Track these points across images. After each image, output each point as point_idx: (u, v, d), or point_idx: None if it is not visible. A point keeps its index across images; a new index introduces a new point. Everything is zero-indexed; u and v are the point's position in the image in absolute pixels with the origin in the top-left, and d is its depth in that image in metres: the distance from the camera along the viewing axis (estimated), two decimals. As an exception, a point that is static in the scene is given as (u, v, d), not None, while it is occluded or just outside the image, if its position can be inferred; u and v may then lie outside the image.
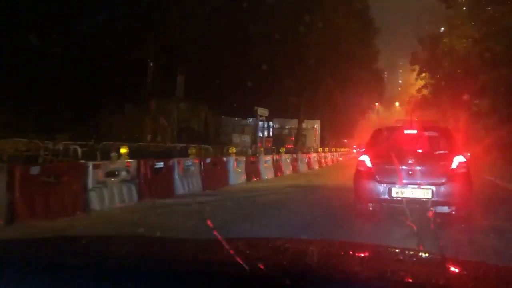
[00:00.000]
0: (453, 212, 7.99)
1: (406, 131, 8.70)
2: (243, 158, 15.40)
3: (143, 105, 23.52)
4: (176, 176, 10.87)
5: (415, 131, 8.64)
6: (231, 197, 10.81)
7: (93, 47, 20.92)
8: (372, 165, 8.34)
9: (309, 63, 26.01)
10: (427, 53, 40.48)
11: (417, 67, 45.64)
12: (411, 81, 58.97)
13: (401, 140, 8.72)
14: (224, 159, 13.93)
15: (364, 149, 9.18)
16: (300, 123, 33.92)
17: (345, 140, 58.05)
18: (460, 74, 29.20)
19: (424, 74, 44.50)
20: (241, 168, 14.81)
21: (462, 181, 7.92)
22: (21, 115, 18.24)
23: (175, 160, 10.91)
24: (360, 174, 8.49)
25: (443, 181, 7.84)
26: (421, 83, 46.19)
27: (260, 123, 22.05)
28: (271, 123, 34.77)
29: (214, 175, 12.68)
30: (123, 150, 9.11)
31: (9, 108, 17.86)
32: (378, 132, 9.25)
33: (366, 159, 8.50)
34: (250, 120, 30.07)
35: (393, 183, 8.05)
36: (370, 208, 8.46)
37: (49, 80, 20.86)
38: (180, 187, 10.92)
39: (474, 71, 25.69)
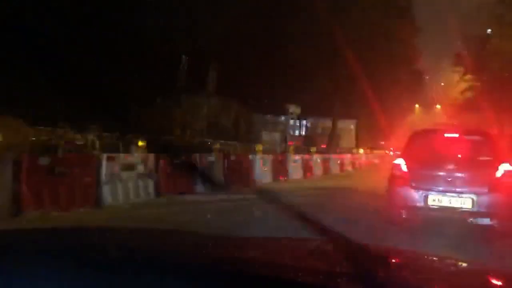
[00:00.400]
0: (495, 225, 7.18)
1: (446, 134, 7.94)
2: (270, 157, 14.88)
3: (175, 99, 23.33)
4: (198, 173, 10.44)
5: (456, 135, 7.87)
6: (252, 197, 10.26)
7: (128, 41, 20.83)
8: (407, 169, 7.68)
9: (345, 61, 25.08)
10: (472, 54, 38.55)
11: (461, 69, 43.66)
12: (453, 84, 56.66)
13: (440, 144, 8.00)
14: (250, 156, 13.46)
15: (400, 152, 8.47)
16: (334, 122, 32.97)
17: (382, 142, 56.45)
18: (508, 77, 27.57)
19: (468, 76, 42.48)
20: (268, 167, 14.30)
21: (508, 191, 7.12)
22: (53, 107, 18.35)
23: (197, 156, 10.51)
24: (395, 178, 7.88)
25: (486, 190, 7.15)
26: (464, 85, 44.20)
27: (291, 121, 21.42)
28: (304, 122, 34.07)
29: (238, 172, 12.21)
30: (140, 143, 8.74)
31: (41, 98, 17.98)
32: (416, 135, 8.56)
33: (401, 163, 7.86)
34: (283, 118, 29.36)
35: (430, 190, 7.35)
36: (404, 216, 7.77)
37: (83, 71, 20.96)
38: (201, 184, 10.50)
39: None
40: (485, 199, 7.09)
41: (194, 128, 22.68)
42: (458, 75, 44.56)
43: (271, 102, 26.52)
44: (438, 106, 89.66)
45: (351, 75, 28.00)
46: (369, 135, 45.29)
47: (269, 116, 30.99)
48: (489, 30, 33.98)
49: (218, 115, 26.05)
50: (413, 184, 7.48)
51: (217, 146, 12.08)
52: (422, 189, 7.42)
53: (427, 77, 76.75)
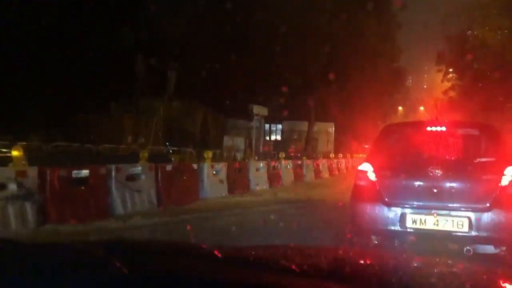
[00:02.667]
0: (503, 254, 4.96)
1: (430, 128, 5.68)
2: (224, 165, 12.55)
3: (131, 104, 21.01)
4: (114, 190, 8.15)
5: (443, 128, 5.62)
6: (186, 219, 8.05)
7: (73, 40, 18.52)
8: (377, 178, 5.37)
9: (319, 58, 23.07)
10: (454, 52, 37.20)
11: (443, 68, 42.35)
12: (436, 85, 55.69)
13: (422, 141, 5.73)
14: (194, 166, 11.10)
15: (366, 155, 6.28)
16: (311, 125, 30.88)
17: (366, 146, 54.80)
18: (493, 72, 25.92)
19: (451, 75, 41.24)
20: (222, 178, 12.01)
21: (518, 205, 4.92)
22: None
23: (113, 167, 8.19)
24: (360, 191, 5.60)
25: (487, 205, 4.93)
26: (447, 85, 42.95)
27: (257, 124, 19.22)
28: (279, 126, 32.08)
29: (179, 186, 9.90)
30: (15, 153, 6.33)
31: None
32: (388, 130, 6.33)
33: (368, 169, 5.57)
34: (256, 122, 27.26)
35: (409, 207, 5.25)
36: (375, 242, 5.49)
37: (24, 77, 18.63)
38: (119, 204, 8.20)
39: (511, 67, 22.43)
40: (486, 218, 4.93)
41: (149, 134, 20.30)
42: (441, 75, 43.31)
43: (240, 105, 24.30)
44: (422, 108, 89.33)
45: (327, 74, 26.00)
46: (351, 139, 43.43)
47: (241, 121, 28.79)
48: (469, 32, 32.81)
49: (181, 120, 23.70)
50: (386, 199, 5.26)
51: (146, 154, 9.65)
52: (398, 205, 5.21)
53: (410, 80, 76.09)
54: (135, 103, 21.48)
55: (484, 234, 4.90)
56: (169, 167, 9.89)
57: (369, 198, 5.41)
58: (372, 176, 5.45)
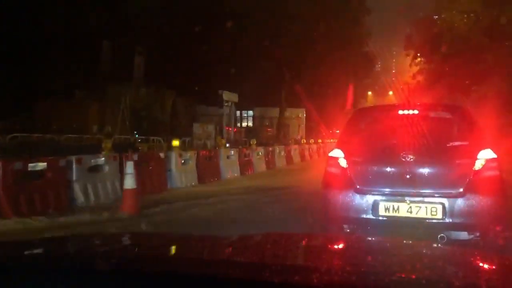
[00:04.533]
0: (477, 240, 4.85)
1: (401, 112, 5.46)
2: (193, 153, 12.19)
3: (96, 91, 20.20)
4: (75, 182, 7.72)
5: (416, 111, 5.41)
6: (152, 210, 7.70)
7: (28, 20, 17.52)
8: (348, 164, 5.14)
9: (290, 43, 22.71)
10: (422, 36, 37.53)
11: (411, 52, 42.75)
12: (405, 69, 56.40)
13: (394, 126, 5.52)
14: (161, 155, 10.70)
15: (337, 140, 6.06)
16: (282, 111, 30.65)
17: (337, 131, 55.21)
18: (459, 56, 26.22)
19: (419, 59, 41.67)
20: (191, 167, 11.67)
21: (492, 190, 4.84)
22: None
23: (73, 159, 7.75)
24: (331, 179, 5.36)
25: (461, 190, 4.74)
26: (415, 69, 43.45)
27: (227, 110, 18.83)
28: (250, 112, 31.73)
29: (145, 177, 9.51)
30: None
31: None
32: (359, 115, 6.09)
33: (339, 155, 5.32)
34: (227, 108, 26.82)
35: (381, 194, 5.05)
36: (347, 231, 5.30)
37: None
38: (81, 197, 7.77)
39: (477, 50, 22.69)
40: (460, 203, 4.78)
41: (116, 123, 19.61)
42: (409, 59, 43.72)
43: (211, 91, 23.78)
44: (391, 93, 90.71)
45: (297, 59, 25.73)
46: (321, 124, 43.56)
47: (211, 107, 28.23)
48: (436, 16, 33.11)
49: (149, 107, 23.01)
50: (357, 186, 5.05)
51: (108, 144, 9.20)
52: (370, 192, 5.01)
53: (379, 65, 76.98)
54: (100, 90, 20.63)
55: (458, 220, 4.77)
56: (134, 157, 9.47)
57: (340, 186, 5.20)
58: (343, 162, 5.23)
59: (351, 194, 5.07)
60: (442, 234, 4.77)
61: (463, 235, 4.84)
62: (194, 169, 11.88)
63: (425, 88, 40.75)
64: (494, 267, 1.60)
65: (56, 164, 7.45)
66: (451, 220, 4.73)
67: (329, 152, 5.65)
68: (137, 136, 20.31)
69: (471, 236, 4.82)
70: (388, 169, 5.04)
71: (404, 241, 1.99)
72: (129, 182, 7.58)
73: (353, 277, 1.21)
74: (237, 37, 21.38)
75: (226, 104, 18.09)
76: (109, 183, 8.58)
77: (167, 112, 24.70)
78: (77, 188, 7.78)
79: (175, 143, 11.32)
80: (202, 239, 1.93)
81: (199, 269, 1.26)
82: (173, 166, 10.79)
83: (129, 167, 7.72)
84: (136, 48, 21.76)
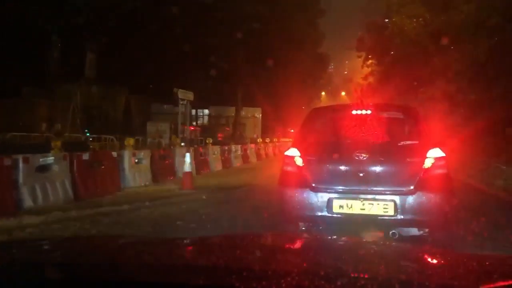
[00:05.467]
0: (426, 236, 5.04)
1: (355, 112, 5.58)
2: (148, 153, 11.95)
3: (45, 88, 19.35)
4: (21, 182, 7.33)
5: (368, 111, 5.55)
6: (104, 211, 7.47)
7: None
8: (304, 163, 5.19)
9: (244, 41, 22.69)
10: (373, 38, 38.58)
11: (363, 54, 43.87)
12: (357, 70, 57.83)
13: (348, 125, 5.64)
14: (114, 154, 10.40)
15: (292, 140, 6.11)
16: (238, 110, 30.62)
17: (292, 130, 55.89)
18: (408, 58, 27.17)
19: (370, 61, 42.82)
20: (145, 166, 11.43)
21: (440, 187, 5.03)
22: None
23: (20, 158, 7.38)
24: (287, 177, 5.40)
25: (412, 188, 4.88)
26: (367, 70, 44.61)
27: (183, 109, 18.57)
28: (206, 111, 31.49)
29: (97, 177, 9.21)
30: None
31: None
32: (313, 114, 6.14)
33: (295, 154, 5.37)
34: (183, 108, 26.43)
35: (335, 192, 5.14)
36: (302, 229, 5.36)
37: None
38: (28, 198, 7.41)
39: (425, 53, 23.61)
40: (411, 201, 4.94)
41: (66, 121, 18.87)
42: (361, 61, 44.77)
43: (165, 89, 23.35)
44: (343, 93, 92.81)
45: (253, 58, 25.79)
46: (277, 123, 43.91)
47: (166, 106, 27.72)
48: (386, 20, 34.03)
49: (101, 105, 22.30)
50: (313, 185, 5.11)
51: (58, 143, 8.85)
52: (325, 190, 5.09)
53: (332, 66, 78.50)
54: (50, 87, 19.78)
55: (409, 217, 4.91)
56: (85, 156, 9.14)
57: (296, 184, 5.26)
58: (299, 161, 5.30)
59: (306, 192, 5.13)
60: (393, 231, 4.92)
61: (413, 231, 5.00)
62: (148, 168, 11.63)
63: (376, 89, 41.99)
64: (443, 262, 1.64)
65: (1, 163, 7.06)
66: (402, 217, 4.87)
67: (285, 151, 5.70)
68: (88, 134, 19.66)
69: (421, 232, 4.99)
70: (342, 167, 5.13)
71: (354, 240, 2.02)
72: (187, 167, 11.06)
73: (306, 281, 1.21)
74: (192, 35, 21.09)
75: (181, 102, 17.83)
76: (58, 183, 8.22)
77: (119, 110, 24.03)
78: (24, 189, 7.40)
79: (129, 142, 11.02)
80: (154, 242, 1.88)
81: (155, 276, 1.23)
82: (126, 165, 10.50)
83: (187, 157, 11.28)
84: (88, 44, 21.00)
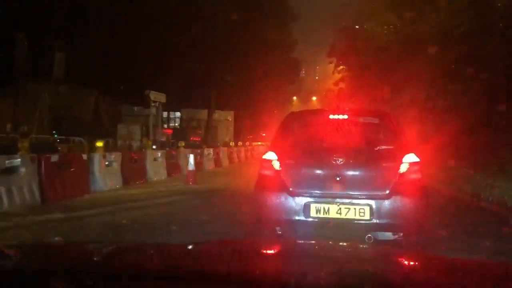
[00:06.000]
0: (400, 240, 5.10)
1: (332, 116, 5.61)
2: (119, 155, 11.71)
3: (10, 87, 18.68)
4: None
5: (345, 116, 5.60)
6: (72, 215, 7.23)
7: None
8: (281, 167, 5.16)
9: (217, 44, 22.58)
10: (345, 45, 39.08)
11: (334, 60, 44.40)
12: (328, 76, 58.51)
13: (325, 129, 5.66)
14: (84, 156, 10.14)
15: (270, 143, 6.06)
16: (210, 113, 30.42)
17: (264, 134, 56.10)
18: (379, 65, 27.65)
19: (341, 67, 43.36)
20: (115, 169, 11.18)
21: (415, 192, 5.09)
22: None
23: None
24: (264, 181, 5.37)
25: (387, 192, 4.98)
26: (338, 76, 45.15)
27: (155, 111, 18.29)
28: (177, 114, 31.15)
29: (66, 179, 8.93)
30: None
31: None
32: (291, 118, 6.12)
33: (273, 158, 5.34)
34: (155, 110, 26.06)
35: (312, 196, 5.11)
36: (279, 233, 5.33)
37: None
38: (-8, 200, 7.12)
39: (395, 60, 24.05)
40: (386, 205, 4.98)
41: (33, 122, 18.27)
42: (333, 66, 45.26)
43: (136, 91, 22.93)
44: (314, 98, 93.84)
45: (227, 62, 25.71)
46: (249, 127, 43.92)
47: (136, 107, 27.22)
48: (357, 26, 34.51)
49: (69, 106, 21.70)
50: (290, 189, 5.10)
51: (25, 144, 8.55)
52: (302, 194, 5.08)
53: (303, 71, 79.29)
54: (15, 86, 19.11)
55: (384, 221, 4.94)
56: (54, 158, 8.85)
57: (273, 188, 5.23)
58: (276, 165, 5.27)
59: (283, 196, 5.11)
60: (369, 235, 4.96)
61: (388, 235, 5.04)
62: (119, 171, 11.40)
63: (348, 95, 42.54)
64: (417, 263, 1.67)
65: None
66: (378, 221, 4.90)
67: (262, 155, 5.67)
68: (56, 136, 19.10)
69: (395, 236, 5.04)
70: (319, 171, 5.14)
71: (331, 243, 2.03)
72: (191, 166, 13.31)
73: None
74: (164, 36, 20.82)
75: (153, 104, 17.55)
76: (25, 186, 7.92)
77: (88, 111, 23.45)
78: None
79: (99, 144, 10.75)
80: (120, 248, 1.83)
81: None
82: (96, 168, 10.25)
83: (191, 158, 13.55)
84: (56, 43, 20.42)
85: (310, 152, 5.33)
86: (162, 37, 20.21)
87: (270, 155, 5.31)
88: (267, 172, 5.31)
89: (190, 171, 13.12)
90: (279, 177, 5.17)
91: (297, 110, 6.89)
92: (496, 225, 7.39)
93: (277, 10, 28.57)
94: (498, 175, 9.24)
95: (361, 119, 5.70)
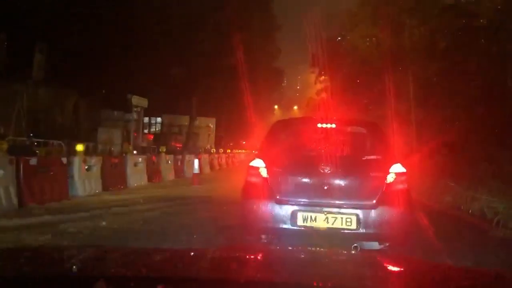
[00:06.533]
0: (385, 249, 5.10)
1: (320, 125, 5.60)
2: (99, 160, 11.48)
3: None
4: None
5: (333, 125, 5.60)
6: (50, 220, 7.02)
7: None
8: (269, 174, 5.10)
9: (202, 51, 22.50)
10: (327, 55, 39.49)
11: (316, 70, 44.81)
12: (309, 85, 58.95)
13: (313, 138, 5.66)
14: (64, 160, 9.91)
15: (257, 151, 6.02)
16: (192, 120, 30.22)
17: (244, 142, 56.08)
18: (360, 77, 28.00)
19: (323, 77, 43.75)
20: (95, 173, 10.96)
21: (401, 202, 5.08)
22: None
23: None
24: (251, 188, 5.31)
25: (374, 202, 4.95)
26: (320, 86, 45.52)
27: (136, 116, 18.06)
28: (158, 119, 30.88)
29: (44, 183, 8.69)
30: None
31: None
32: (278, 126, 6.09)
33: (260, 165, 5.30)
34: (136, 114, 25.73)
35: (300, 204, 5.08)
36: (264, 241, 5.28)
37: None
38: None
39: (376, 72, 24.37)
40: (373, 215, 4.99)
41: (10, 124, 17.81)
42: (314, 76, 45.65)
43: (117, 95, 22.60)
44: (295, 108, 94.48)
45: (210, 68, 25.64)
46: (230, 134, 43.82)
47: (117, 113, 26.83)
48: (338, 38, 34.90)
49: (49, 109, 21.26)
50: (277, 197, 5.06)
51: (4, 145, 8.33)
52: (289, 203, 5.04)
53: (285, 80, 79.74)
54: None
55: (371, 231, 4.94)
56: (33, 161, 8.61)
57: (260, 195, 5.19)
58: (264, 172, 5.24)
59: (270, 204, 5.07)
60: (355, 244, 4.94)
61: (375, 245, 5.04)
62: (99, 176, 11.18)
63: (329, 105, 42.84)
64: (402, 269, 1.69)
65: None
66: (364, 231, 4.90)
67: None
68: (33, 139, 18.66)
69: (382, 246, 5.04)
70: (307, 180, 5.12)
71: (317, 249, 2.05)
72: (196, 169, 15.68)
73: None
74: (147, 42, 20.64)
75: (135, 109, 17.31)
76: (2, 189, 7.67)
77: (68, 114, 22.99)
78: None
79: (79, 147, 10.52)
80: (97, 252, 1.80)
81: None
82: (76, 172, 10.02)
83: (196, 162, 15.85)
84: (37, 44, 20.00)
85: (298, 161, 5.32)
86: (145, 42, 20.02)
87: (258, 162, 5.27)
88: (254, 179, 5.27)
89: (195, 174, 15.23)
90: (266, 184, 5.13)
91: (285, 118, 6.87)
92: (475, 237, 7.49)
93: (263, 18, 28.69)
94: (478, 188, 9.37)
95: (349, 129, 5.71)
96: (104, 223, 7.30)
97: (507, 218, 7.51)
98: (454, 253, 5.84)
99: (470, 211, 9.19)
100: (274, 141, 5.64)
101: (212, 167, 23.09)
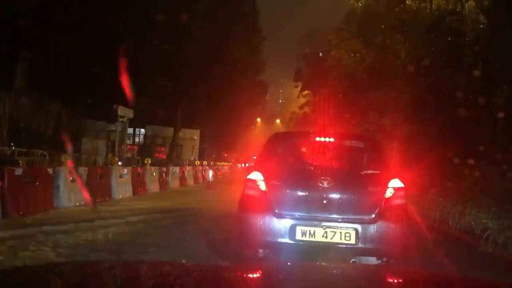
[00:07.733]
0: (383, 264, 5.06)
1: (319, 139, 5.59)
2: (85, 170, 11.25)
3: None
4: None
5: (331, 139, 5.59)
6: (34, 232, 6.78)
7: None
8: (267, 188, 5.04)
9: (189, 64, 22.44)
10: (311, 70, 39.87)
11: (299, 84, 45.13)
12: (292, 99, 59.33)
13: (312, 152, 5.64)
14: (50, 170, 9.66)
15: (254, 164, 5.96)
16: (176, 131, 30.00)
17: (225, 154, 55.88)
18: (344, 92, 28.24)
19: (306, 91, 44.06)
20: (80, 184, 10.72)
21: (400, 217, 5.09)
22: None
23: None
24: (249, 201, 5.22)
25: (373, 217, 4.88)
26: (303, 100, 45.82)
27: (121, 126, 17.81)
28: (142, 130, 30.56)
29: (29, 194, 8.44)
30: None
31: None
32: (276, 139, 6.07)
33: (258, 178, 5.23)
34: (119, 125, 25.36)
35: (299, 218, 5.03)
36: (260, 255, 5.19)
37: None
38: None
39: (360, 88, 24.64)
40: (372, 230, 4.97)
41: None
42: (297, 90, 45.94)
43: (101, 105, 22.28)
44: (278, 121, 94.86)
45: (195, 79, 25.55)
46: (213, 147, 43.64)
47: (101, 122, 26.45)
48: (321, 54, 35.33)
49: (31, 118, 20.82)
50: (276, 210, 5.00)
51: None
52: (288, 216, 4.98)
53: (268, 93, 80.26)
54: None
55: (370, 246, 4.92)
56: (18, 171, 8.37)
57: (258, 209, 5.13)
58: (262, 185, 5.19)
59: (269, 218, 5.01)
60: (353, 259, 4.90)
61: (372, 260, 5.01)
62: (85, 187, 10.91)
63: (312, 120, 43.17)
64: (402, 281, 1.71)
65: None
66: (363, 246, 4.87)
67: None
68: (14, 148, 18.22)
69: (379, 261, 5.01)
70: (306, 193, 5.08)
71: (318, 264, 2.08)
72: (210, 177, 19.08)
73: None
74: (132, 53, 20.44)
75: (120, 119, 17.07)
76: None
77: (50, 124, 22.55)
78: None
79: (66, 158, 10.28)
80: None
81: None
82: (61, 183, 9.78)
83: (210, 173, 19.19)
84: (20, 53, 19.61)
85: (297, 174, 5.29)
86: (129, 52, 19.86)
87: (256, 175, 5.21)
88: (252, 192, 5.20)
89: (210, 181, 18.47)
90: (265, 197, 5.07)
91: (282, 131, 6.85)
92: (464, 252, 7.55)
93: (249, 31, 28.86)
94: (466, 203, 9.46)
95: (347, 143, 5.72)
96: (89, 235, 7.12)
97: (496, 234, 7.57)
98: (446, 269, 5.88)
99: (458, 226, 9.26)
100: (272, 154, 5.59)
101: (196, 180, 22.87)
